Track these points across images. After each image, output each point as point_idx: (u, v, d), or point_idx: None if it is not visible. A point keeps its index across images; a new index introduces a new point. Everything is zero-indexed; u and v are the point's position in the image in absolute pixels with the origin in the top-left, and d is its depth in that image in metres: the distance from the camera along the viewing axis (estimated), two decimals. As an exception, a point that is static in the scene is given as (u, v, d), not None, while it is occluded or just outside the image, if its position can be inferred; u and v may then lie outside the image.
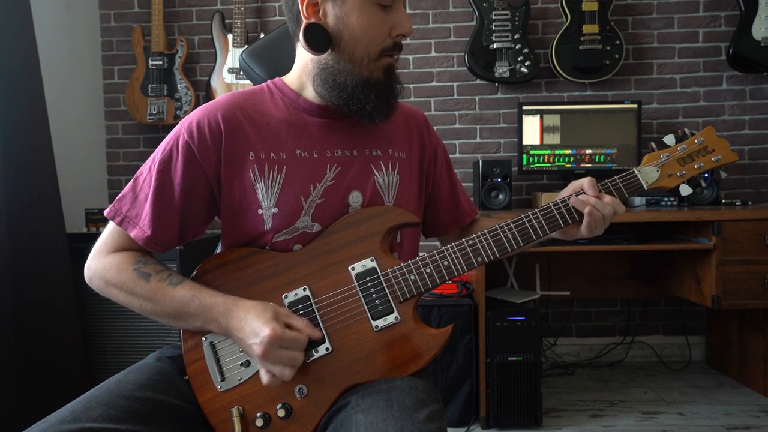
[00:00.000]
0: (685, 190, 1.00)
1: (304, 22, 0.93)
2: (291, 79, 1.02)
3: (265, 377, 0.83)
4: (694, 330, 2.73)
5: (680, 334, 2.73)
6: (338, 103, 0.95)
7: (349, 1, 0.90)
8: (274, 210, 0.93)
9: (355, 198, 0.97)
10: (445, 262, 0.93)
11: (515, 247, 0.95)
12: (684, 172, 0.98)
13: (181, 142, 0.93)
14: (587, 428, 2.03)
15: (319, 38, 0.92)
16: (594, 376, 2.57)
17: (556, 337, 2.76)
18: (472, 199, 2.67)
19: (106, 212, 0.95)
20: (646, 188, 0.97)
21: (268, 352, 0.81)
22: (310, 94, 0.99)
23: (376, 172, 0.99)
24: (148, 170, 0.94)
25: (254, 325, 0.82)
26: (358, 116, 0.96)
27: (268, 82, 1.04)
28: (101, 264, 0.93)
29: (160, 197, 0.92)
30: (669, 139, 1.01)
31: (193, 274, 0.96)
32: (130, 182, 0.96)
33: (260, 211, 0.93)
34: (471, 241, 0.94)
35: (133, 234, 0.93)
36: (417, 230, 1.09)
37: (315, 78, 0.96)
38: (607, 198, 0.94)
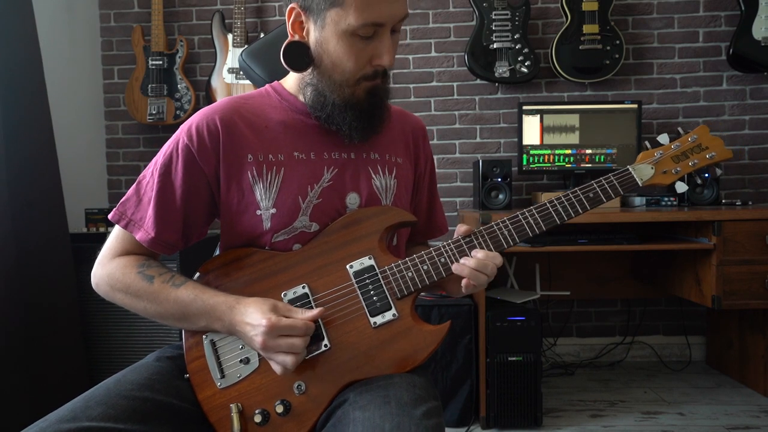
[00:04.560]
0: (681, 187, 1.01)
1: (288, 38, 0.94)
2: (289, 82, 1.04)
3: (276, 368, 0.85)
4: (694, 330, 2.73)
5: (680, 334, 2.73)
6: (320, 119, 0.97)
7: (328, 28, 0.90)
8: (273, 210, 0.94)
9: (353, 200, 0.98)
10: (442, 259, 0.93)
11: (511, 243, 0.95)
12: (678, 168, 0.99)
13: (181, 146, 0.94)
14: (587, 428, 2.03)
15: (297, 58, 0.94)
16: (594, 376, 2.57)
17: (556, 337, 2.76)
18: (471, 199, 2.70)
19: (110, 216, 0.96)
20: (641, 185, 0.98)
21: (267, 342, 0.82)
22: (304, 100, 1.00)
23: (373, 175, 1.00)
24: (150, 174, 0.96)
25: (253, 317, 0.84)
26: (338, 133, 0.97)
27: (268, 85, 1.06)
28: (106, 269, 0.94)
29: (163, 199, 0.94)
30: (663, 138, 1.02)
31: (196, 276, 0.98)
32: (133, 186, 0.97)
33: (258, 212, 0.94)
34: (467, 239, 0.94)
35: (138, 236, 0.94)
36: (408, 233, 1.10)
37: (303, 90, 0.98)
38: (480, 255, 0.91)
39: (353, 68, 0.91)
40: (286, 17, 0.94)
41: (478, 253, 0.92)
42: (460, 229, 0.95)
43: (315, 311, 0.87)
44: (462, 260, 0.92)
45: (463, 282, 0.92)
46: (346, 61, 0.91)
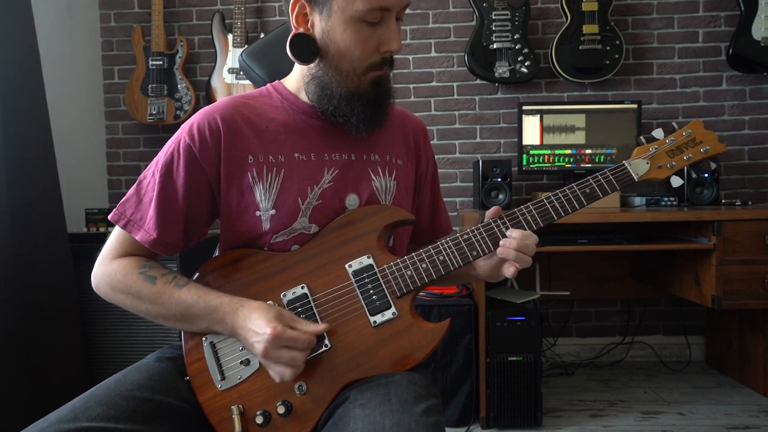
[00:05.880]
0: (676, 181, 1.01)
1: (293, 31, 0.94)
2: (290, 82, 1.03)
3: (273, 376, 0.85)
4: (694, 330, 2.73)
5: (680, 334, 2.73)
6: (327, 112, 0.96)
7: (334, 16, 0.90)
8: (272, 212, 0.93)
9: (352, 201, 0.98)
10: (441, 257, 0.93)
11: None
12: (674, 163, 1.00)
13: (182, 145, 0.94)
14: (587, 428, 2.03)
15: (304, 49, 0.93)
16: (594, 376, 2.57)
17: (556, 337, 2.76)
18: (471, 199, 2.70)
19: (110, 216, 0.96)
20: (636, 180, 0.98)
21: (269, 351, 0.82)
22: (307, 97, 1.00)
23: (373, 177, 1.00)
24: (151, 174, 0.95)
25: (257, 323, 0.83)
26: (345, 126, 0.97)
27: (269, 85, 1.05)
28: (107, 270, 0.94)
29: (164, 199, 0.93)
30: (658, 133, 1.02)
31: (195, 276, 0.97)
32: (134, 186, 0.97)
33: (258, 213, 0.94)
34: (466, 236, 0.95)
35: (138, 237, 0.93)
36: (409, 233, 1.10)
37: (307, 85, 0.98)
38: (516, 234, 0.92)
39: (361, 56, 0.91)
40: (290, 11, 0.94)
41: (514, 233, 0.92)
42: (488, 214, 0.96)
43: (321, 326, 0.86)
44: (504, 243, 0.92)
45: (510, 266, 0.92)
46: (354, 49, 0.91)
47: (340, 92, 0.93)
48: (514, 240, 0.91)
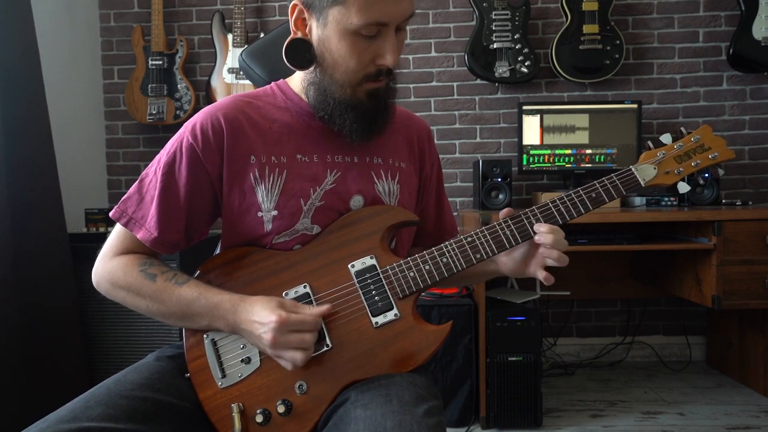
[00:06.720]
0: (683, 187, 1.01)
1: (290, 35, 0.93)
2: (295, 82, 1.02)
3: (285, 365, 0.84)
4: (694, 330, 2.73)
5: (680, 334, 2.73)
6: (323, 118, 0.96)
7: (330, 26, 0.88)
8: (274, 213, 0.93)
9: (357, 202, 0.98)
10: (444, 259, 0.93)
11: (513, 243, 0.95)
12: (681, 169, 0.99)
13: (185, 144, 0.93)
14: (587, 428, 2.03)
15: (300, 56, 0.93)
16: (594, 376, 2.57)
17: (556, 337, 2.76)
18: (471, 199, 2.70)
19: (111, 213, 0.96)
20: (643, 185, 0.98)
21: (277, 339, 0.82)
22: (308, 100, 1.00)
23: (376, 180, 1.00)
24: (153, 172, 0.95)
25: (261, 314, 0.83)
26: (340, 132, 0.96)
27: (273, 84, 1.04)
28: (107, 267, 0.93)
29: (166, 199, 0.93)
30: (666, 138, 1.02)
31: (196, 274, 0.97)
32: (135, 184, 0.96)
33: (260, 214, 0.93)
34: (470, 238, 0.94)
35: (139, 235, 0.93)
36: (412, 235, 1.10)
37: (306, 89, 0.97)
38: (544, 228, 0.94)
39: (356, 67, 0.90)
40: (289, 14, 0.93)
41: (542, 227, 0.93)
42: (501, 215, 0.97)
43: (323, 307, 0.86)
44: (541, 240, 0.93)
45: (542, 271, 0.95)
46: (349, 60, 0.89)
47: (334, 100, 0.93)
48: (550, 236, 0.92)
